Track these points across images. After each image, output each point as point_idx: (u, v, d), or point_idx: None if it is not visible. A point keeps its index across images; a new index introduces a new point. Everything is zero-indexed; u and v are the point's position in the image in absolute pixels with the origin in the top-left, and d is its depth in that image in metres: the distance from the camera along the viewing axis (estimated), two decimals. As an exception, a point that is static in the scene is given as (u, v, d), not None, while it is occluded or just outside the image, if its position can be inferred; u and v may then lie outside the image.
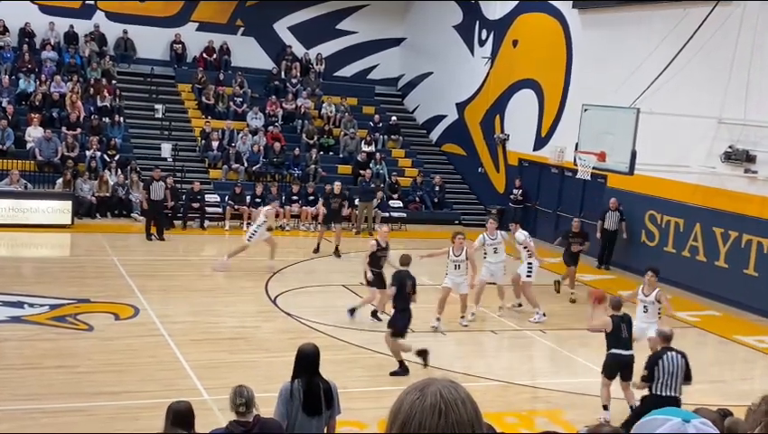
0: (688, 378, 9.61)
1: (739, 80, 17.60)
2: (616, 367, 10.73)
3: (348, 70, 30.94)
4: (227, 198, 23.00)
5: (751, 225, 17.58)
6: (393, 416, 1.92)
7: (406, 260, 12.87)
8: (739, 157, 17.64)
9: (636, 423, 2.26)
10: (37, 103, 24.69)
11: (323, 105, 28.44)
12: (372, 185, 24.45)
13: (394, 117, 29.06)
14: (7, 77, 25.15)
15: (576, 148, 18.46)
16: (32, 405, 10.07)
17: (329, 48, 30.47)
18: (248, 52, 29.43)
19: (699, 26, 17.98)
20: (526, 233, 16.21)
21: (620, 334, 10.72)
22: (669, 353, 9.51)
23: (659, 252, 19.72)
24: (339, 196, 20.80)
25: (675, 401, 9.33)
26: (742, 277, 17.63)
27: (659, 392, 9.37)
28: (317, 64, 30.08)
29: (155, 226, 20.78)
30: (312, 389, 7.01)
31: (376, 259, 14.55)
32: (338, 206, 20.49)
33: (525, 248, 15.80)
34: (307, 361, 7.11)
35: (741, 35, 17.57)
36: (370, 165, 26.08)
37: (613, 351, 10.78)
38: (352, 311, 14.74)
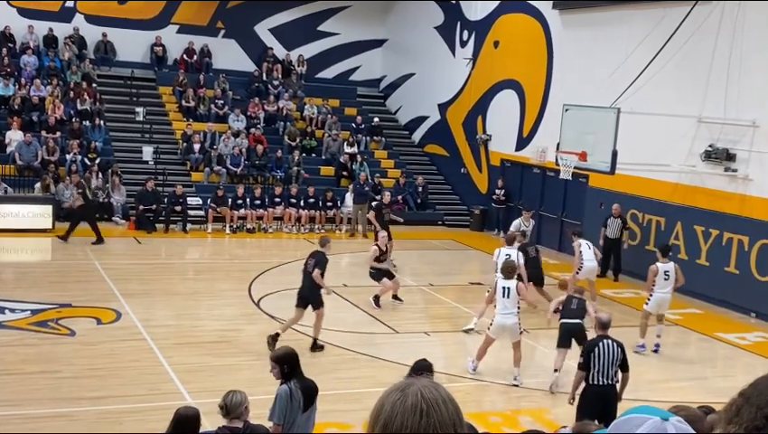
0: (624, 368, 9.46)
1: (719, 78, 17.73)
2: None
3: (330, 72, 30.93)
4: (209, 201, 22.93)
5: (731, 223, 17.70)
6: (374, 417, 1.92)
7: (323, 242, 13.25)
8: (719, 156, 17.76)
9: (613, 422, 2.27)
10: (16, 107, 24.52)
11: (306, 107, 28.41)
12: (367, 188, 24.46)
13: (376, 119, 29.07)
14: (-14, 81, 24.99)
15: (558, 148, 18.53)
16: (13, 411, 9.99)
17: (310, 49, 30.45)
18: (229, 54, 29.36)
19: (679, 26, 18.10)
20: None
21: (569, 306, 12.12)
22: (604, 340, 9.39)
23: (641, 251, 19.81)
24: (389, 206, 20.64)
25: (612, 390, 9.33)
26: (723, 274, 17.75)
27: (595, 382, 9.27)
28: (299, 66, 30.05)
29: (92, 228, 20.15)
30: (310, 386, 7.22)
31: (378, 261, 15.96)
32: (390, 216, 20.00)
33: None
34: (296, 361, 7.22)
35: (720, 34, 17.70)
36: (353, 166, 26.09)
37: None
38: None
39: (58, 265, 18.60)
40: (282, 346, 7.60)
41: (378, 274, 15.95)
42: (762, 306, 16.96)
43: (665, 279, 13.87)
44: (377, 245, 15.95)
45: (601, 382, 9.27)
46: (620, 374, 9.48)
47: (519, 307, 12.14)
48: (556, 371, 11.91)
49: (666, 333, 14.63)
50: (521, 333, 12.21)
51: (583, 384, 9.57)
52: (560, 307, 12.31)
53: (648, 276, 14.18)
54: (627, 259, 20.05)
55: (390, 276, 16.15)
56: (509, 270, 12.10)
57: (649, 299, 14.09)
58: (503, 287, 11.95)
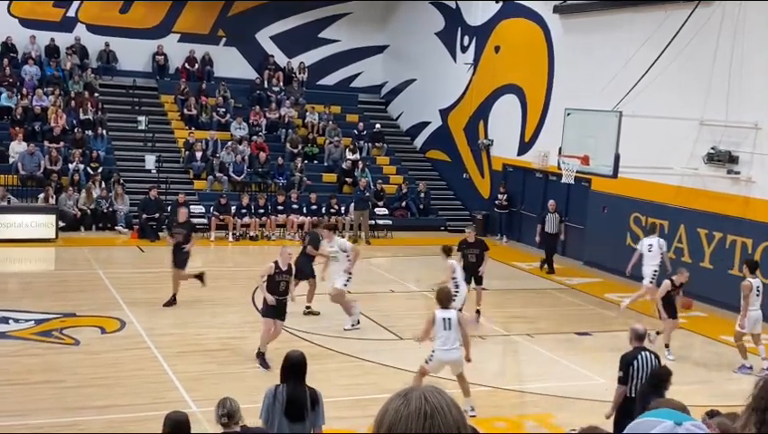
0: None
1: (720, 81, 17.72)
2: None
3: (331, 79, 30.96)
4: (212, 209, 22.94)
5: (734, 226, 17.67)
6: (378, 423, 1.93)
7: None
8: (722, 158, 17.73)
9: (629, 424, 2.28)
10: (18, 117, 24.57)
11: (307, 114, 28.44)
12: (367, 194, 24.50)
13: (378, 125, 29.09)
14: (-12, 91, 25.05)
15: (560, 152, 18.53)
16: (18, 421, 9.98)
17: (311, 57, 30.49)
18: (230, 62, 29.41)
19: (680, 28, 18.10)
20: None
21: None
22: (642, 353, 9.28)
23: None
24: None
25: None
26: (727, 277, 17.68)
27: (632, 394, 9.10)
28: (300, 73, 30.09)
29: None
30: (295, 394, 7.07)
31: (275, 284, 12.42)
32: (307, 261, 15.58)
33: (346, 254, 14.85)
34: (292, 367, 7.20)
35: (721, 36, 17.69)
36: (355, 172, 26.11)
37: None
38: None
39: (61, 275, 18.61)
40: (294, 349, 7.58)
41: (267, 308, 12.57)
42: (766, 309, 16.92)
43: (757, 295, 13.68)
44: (275, 262, 12.58)
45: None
46: None
47: (459, 340, 10.54)
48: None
49: (671, 336, 14.60)
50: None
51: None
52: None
53: (742, 293, 13.66)
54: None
55: (280, 315, 12.58)
56: (446, 298, 10.62)
57: (743, 319, 13.69)
58: (444, 319, 10.44)
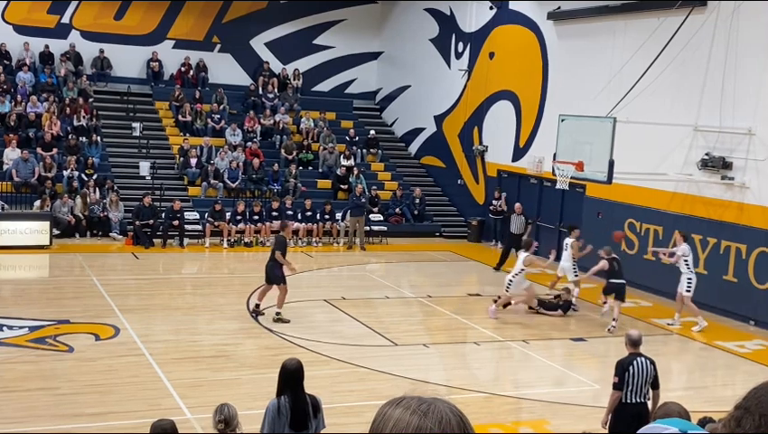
0: (655, 385, 9.23)
1: (714, 87, 17.79)
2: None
3: (326, 85, 31.00)
4: (206, 215, 22.92)
5: (729, 231, 17.71)
6: None
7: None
8: (716, 164, 17.79)
9: (638, 430, 2.29)
10: (12, 123, 24.54)
11: (302, 120, 28.45)
12: (363, 200, 24.46)
13: (372, 131, 29.12)
14: (-18, 98, 25.00)
15: (554, 158, 18.56)
16: (13, 429, 9.94)
17: (306, 63, 30.52)
18: (225, 69, 29.43)
19: (674, 35, 18.16)
20: None
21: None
22: (638, 358, 9.24)
23: (638, 260, 19.82)
24: None
25: (644, 407, 9.24)
26: (721, 283, 17.74)
27: (628, 400, 9.10)
28: (294, 79, 30.11)
29: None
30: (299, 404, 7.00)
31: None
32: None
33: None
34: (292, 376, 7.11)
35: (714, 42, 17.77)
36: (350, 179, 26.11)
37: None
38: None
39: (56, 281, 18.57)
40: (290, 358, 7.52)
41: None
42: (761, 314, 16.97)
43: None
44: None
45: (635, 401, 9.15)
46: (651, 392, 9.31)
47: None
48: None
49: (665, 342, 14.64)
50: None
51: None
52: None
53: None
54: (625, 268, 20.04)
55: None
56: None
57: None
58: None
